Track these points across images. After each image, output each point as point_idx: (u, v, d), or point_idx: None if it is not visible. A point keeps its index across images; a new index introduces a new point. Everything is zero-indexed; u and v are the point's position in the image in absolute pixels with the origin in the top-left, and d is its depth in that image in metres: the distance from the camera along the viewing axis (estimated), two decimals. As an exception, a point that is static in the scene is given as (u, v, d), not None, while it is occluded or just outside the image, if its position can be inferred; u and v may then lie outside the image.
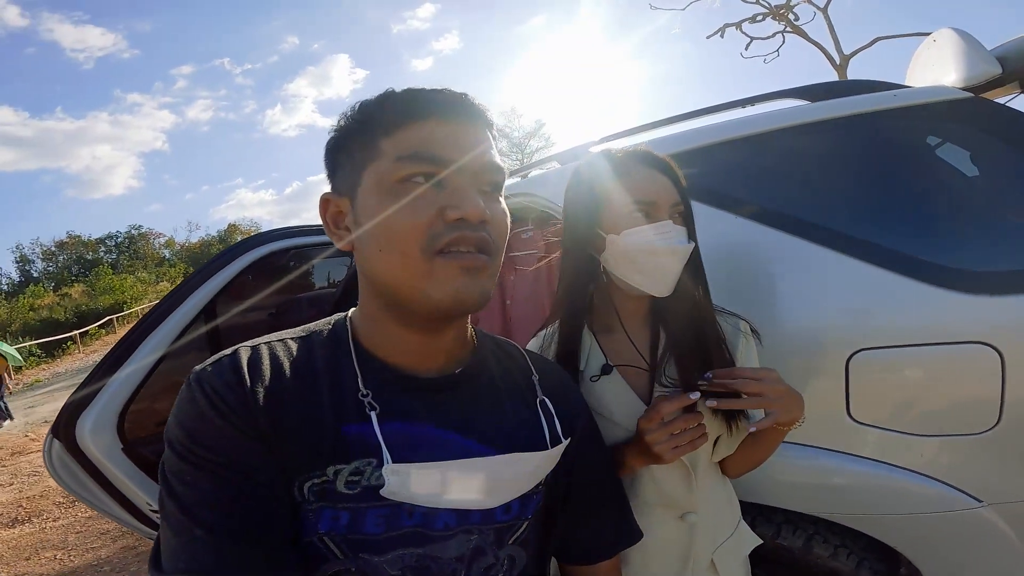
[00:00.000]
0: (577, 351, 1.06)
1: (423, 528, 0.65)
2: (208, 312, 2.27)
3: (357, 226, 0.65)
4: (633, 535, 0.87)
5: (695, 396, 0.90)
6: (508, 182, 0.79)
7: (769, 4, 12.93)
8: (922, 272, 1.22)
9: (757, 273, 1.36)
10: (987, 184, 1.57)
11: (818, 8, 12.65)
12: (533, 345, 1.15)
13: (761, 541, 1.14)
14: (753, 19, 13.07)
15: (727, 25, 13.25)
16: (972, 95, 1.38)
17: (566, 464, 0.77)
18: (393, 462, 0.61)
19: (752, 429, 0.92)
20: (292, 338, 0.69)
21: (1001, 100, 1.51)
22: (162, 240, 53.71)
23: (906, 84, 1.62)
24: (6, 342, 14.67)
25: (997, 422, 1.18)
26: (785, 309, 1.31)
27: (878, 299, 1.25)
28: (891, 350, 1.22)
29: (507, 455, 0.68)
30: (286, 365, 0.64)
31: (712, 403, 0.92)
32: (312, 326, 0.73)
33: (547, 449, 0.72)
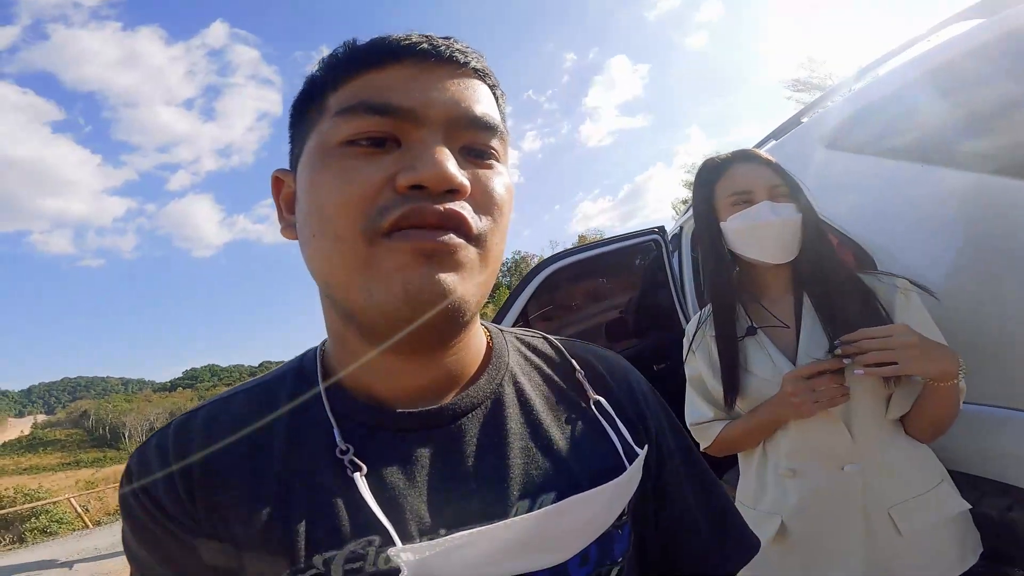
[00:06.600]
0: (733, 321, 1.23)
1: None
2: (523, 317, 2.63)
3: (298, 206, 0.50)
4: (748, 547, 0.64)
5: (847, 362, 1.04)
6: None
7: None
8: None
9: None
10: None
11: None
12: (691, 326, 1.36)
13: (967, 506, 1.12)
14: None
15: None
16: None
17: (649, 475, 0.60)
18: (406, 534, 0.45)
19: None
20: (246, 390, 0.55)
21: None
22: (535, 260, 57.12)
23: None
24: None
25: None
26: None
27: None
28: None
29: (564, 502, 0.50)
30: (227, 434, 0.50)
31: (859, 372, 1.03)
32: (279, 368, 0.58)
33: (621, 471, 0.54)
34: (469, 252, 0.45)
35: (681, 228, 3.12)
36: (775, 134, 2.16)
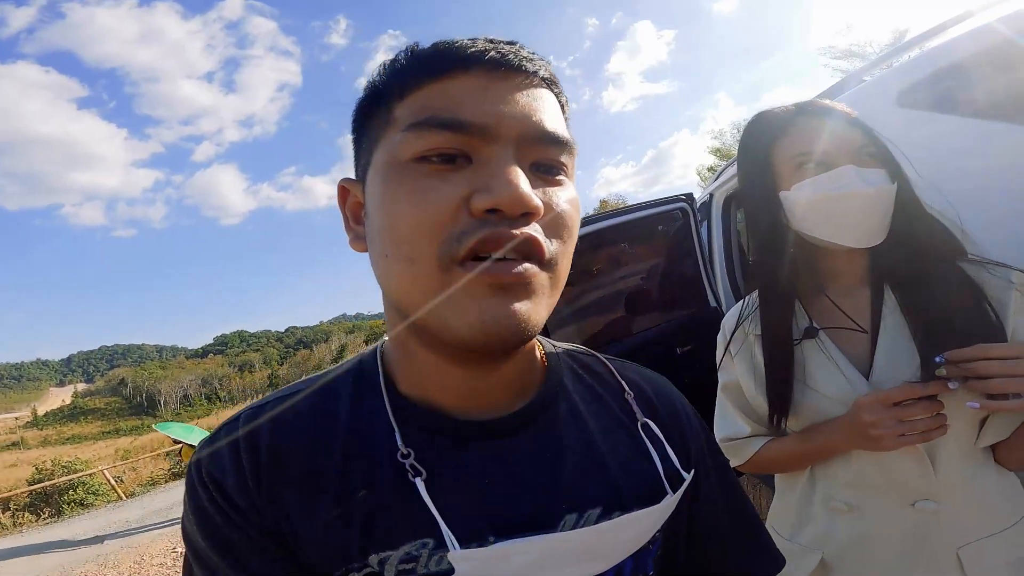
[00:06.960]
0: (788, 318, 0.99)
1: None
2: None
3: (368, 221, 0.51)
4: (774, 563, 0.67)
5: (953, 386, 0.80)
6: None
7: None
8: None
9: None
10: None
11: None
12: (728, 320, 1.10)
13: None
14: None
15: None
16: None
17: (687, 496, 0.61)
18: (457, 539, 0.47)
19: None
20: (308, 389, 0.57)
21: None
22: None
23: None
24: None
25: None
26: None
27: None
28: None
29: (612, 521, 0.52)
30: (292, 431, 0.52)
31: (974, 405, 0.80)
32: (337, 367, 0.60)
33: (665, 495, 0.56)
34: (542, 278, 0.46)
35: (711, 196, 2.94)
36: (828, 95, 1.89)
